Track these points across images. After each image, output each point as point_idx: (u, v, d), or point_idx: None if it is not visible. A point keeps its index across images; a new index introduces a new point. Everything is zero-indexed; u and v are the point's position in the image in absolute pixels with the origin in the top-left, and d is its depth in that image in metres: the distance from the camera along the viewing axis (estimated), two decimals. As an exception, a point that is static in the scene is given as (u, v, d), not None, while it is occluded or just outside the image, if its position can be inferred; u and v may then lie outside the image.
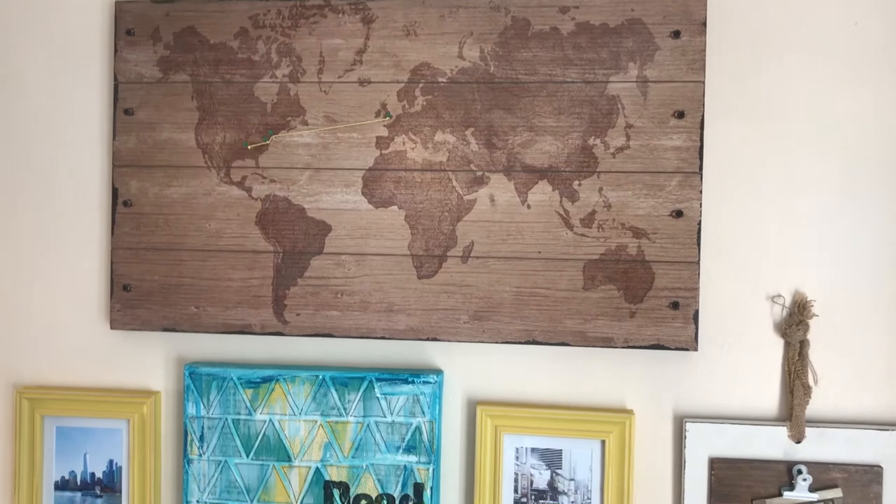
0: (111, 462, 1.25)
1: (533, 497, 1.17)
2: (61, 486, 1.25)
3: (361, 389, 1.18)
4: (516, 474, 1.17)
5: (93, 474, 1.25)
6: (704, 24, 1.12)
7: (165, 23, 1.21)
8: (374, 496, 1.18)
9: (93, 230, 1.26)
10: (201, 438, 1.20)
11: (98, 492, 1.25)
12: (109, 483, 1.25)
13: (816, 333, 1.14)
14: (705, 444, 1.14)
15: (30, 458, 1.25)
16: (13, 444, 1.27)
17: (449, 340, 1.16)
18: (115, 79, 1.22)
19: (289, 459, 1.19)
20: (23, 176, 1.27)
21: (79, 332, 1.26)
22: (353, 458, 1.18)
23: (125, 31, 1.22)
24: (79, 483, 1.25)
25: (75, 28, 1.26)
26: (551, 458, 1.17)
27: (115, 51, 1.22)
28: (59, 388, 1.26)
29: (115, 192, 1.22)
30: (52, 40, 1.26)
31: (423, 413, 1.17)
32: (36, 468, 1.25)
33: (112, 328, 1.22)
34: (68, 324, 1.27)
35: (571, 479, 1.17)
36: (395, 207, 1.18)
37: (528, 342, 1.15)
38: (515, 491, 1.17)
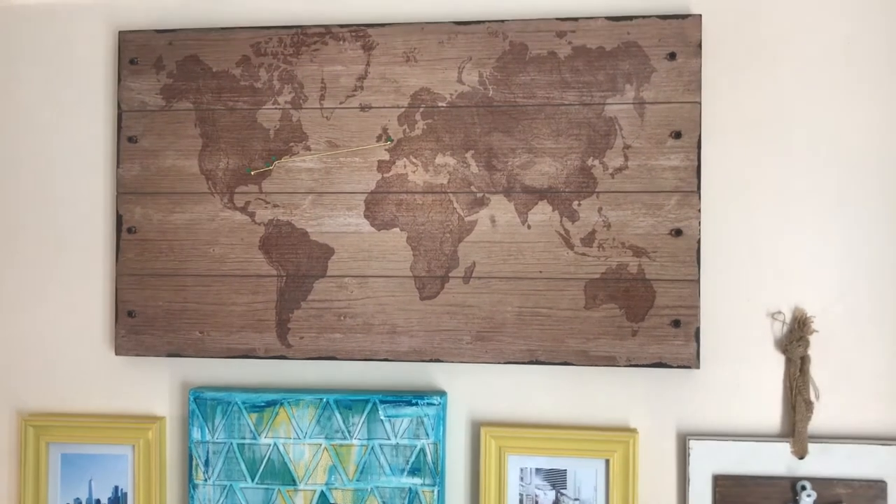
0: (116, 488, 1.25)
1: (538, 517, 1.17)
2: (66, 513, 1.25)
3: (365, 412, 1.18)
4: (521, 495, 1.18)
5: (98, 501, 1.25)
6: (699, 45, 1.14)
7: (168, 51, 1.23)
8: (379, 519, 1.18)
9: (97, 257, 1.27)
10: (206, 463, 1.20)
11: (103, 518, 1.25)
12: (114, 509, 1.25)
13: (817, 349, 1.15)
14: (709, 461, 1.15)
15: (35, 485, 1.25)
16: (18, 472, 1.27)
17: (452, 361, 1.17)
18: (119, 107, 1.24)
19: (294, 483, 1.19)
20: (28, 203, 1.28)
21: (84, 359, 1.27)
22: (357, 481, 1.18)
23: (129, 60, 1.24)
24: (84, 510, 1.25)
25: (79, 57, 1.28)
26: (556, 479, 1.17)
27: (119, 80, 1.24)
28: (64, 415, 1.27)
29: (119, 219, 1.23)
30: (57, 69, 1.28)
31: (428, 435, 1.17)
32: (41, 495, 1.25)
33: (117, 354, 1.23)
34: (73, 350, 1.27)
35: (576, 499, 1.17)
36: (396, 229, 1.19)
37: (531, 362, 1.16)
38: (521, 511, 1.17)
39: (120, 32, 1.24)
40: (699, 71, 1.14)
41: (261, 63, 1.21)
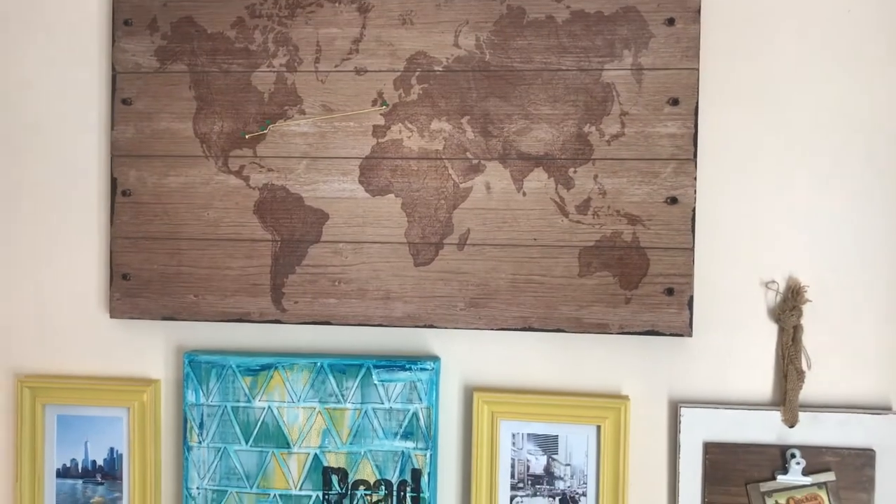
0: (112, 450, 1.26)
1: (530, 482, 1.18)
2: (63, 473, 1.26)
3: (359, 376, 1.19)
4: (513, 460, 1.19)
5: (94, 462, 1.26)
6: (698, 11, 1.13)
7: (163, 13, 1.22)
8: (372, 482, 1.19)
9: (92, 220, 1.27)
10: (201, 426, 1.21)
11: (99, 479, 1.26)
12: (110, 470, 1.26)
13: (810, 319, 1.15)
14: (700, 428, 1.15)
15: (31, 446, 1.26)
16: (15, 433, 1.28)
17: (445, 327, 1.17)
18: (113, 69, 1.23)
19: (288, 446, 1.20)
20: (22, 166, 1.28)
21: (79, 322, 1.27)
22: (351, 444, 1.19)
23: (123, 22, 1.22)
24: (80, 470, 1.26)
25: (73, 18, 1.26)
26: (548, 444, 1.18)
27: (113, 41, 1.23)
28: (60, 377, 1.27)
29: (113, 182, 1.23)
30: (51, 30, 1.27)
31: (421, 399, 1.18)
32: (38, 456, 1.26)
33: (112, 317, 1.23)
34: (68, 313, 1.28)
35: (567, 465, 1.18)
36: (391, 195, 1.18)
37: (524, 329, 1.16)
38: (512, 476, 1.18)
39: (113, -7, 1.23)
40: (698, 37, 1.13)
41: (255, 25, 1.20)
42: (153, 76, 1.22)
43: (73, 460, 1.26)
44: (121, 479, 1.25)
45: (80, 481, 1.26)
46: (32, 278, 1.28)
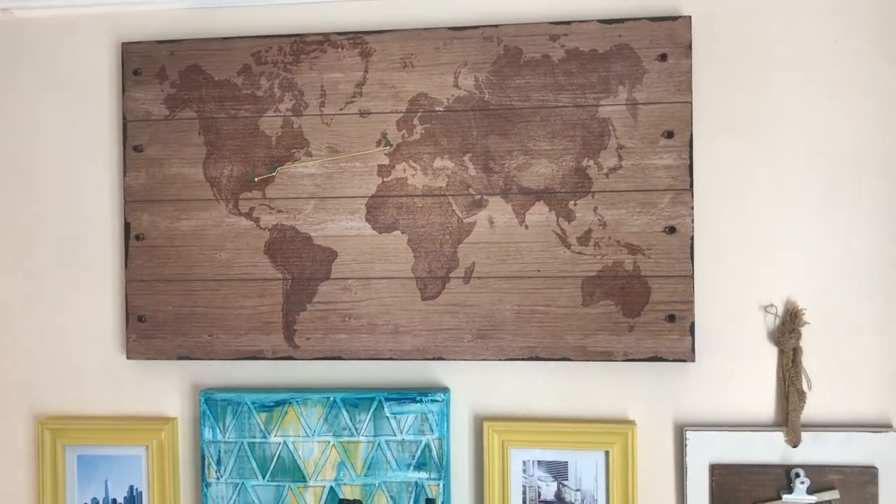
0: (132, 488, 1.29)
1: (541, 508, 1.21)
2: (84, 512, 1.30)
3: (371, 409, 1.22)
4: (524, 486, 1.21)
5: (114, 500, 1.29)
6: (690, 46, 1.17)
7: (171, 62, 1.26)
8: (387, 512, 1.22)
9: (107, 264, 1.30)
10: (218, 462, 1.24)
11: (120, 517, 1.29)
12: (130, 508, 1.29)
13: (809, 340, 1.18)
14: (705, 451, 1.18)
15: (53, 486, 1.29)
16: (36, 474, 1.31)
17: (454, 359, 1.21)
18: (124, 117, 1.27)
19: (304, 480, 1.23)
20: (38, 213, 1.32)
21: (97, 363, 1.31)
22: (365, 476, 1.22)
23: (132, 71, 1.27)
24: (101, 509, 1.29)
25: (84, 68, 1.31)
26: (558, 470, 1.21)
27: (123, 90, 1.27)
28: (79, 418, 1.31)
29: (127, 227, 1.26)
30: (62, 81, 1.31)
31: (432, 430, 1.21)
32: (59, 496, 1.29)
33: (129, 358, 1.26)
34: (86, 355, 1.31)
35: (578, 490, 1.21)
36: (398, 232, 1.22)
37: (530, 358, 1.19)
38: (524, 503, 1.21)
39: (123, 44, 1.27)
40: (690, 71, 1.17)
41: (261, 71, 1.24)
42: (163, 123, 1.26)
43: (94, 499, 1.29)
44: (141, 517, 1.28)
45: (101, 520, 1.29)
46: (51, 322, 1.32)
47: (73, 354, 1.31)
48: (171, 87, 1.26)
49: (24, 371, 1.33)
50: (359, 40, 1.22)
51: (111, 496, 1.29)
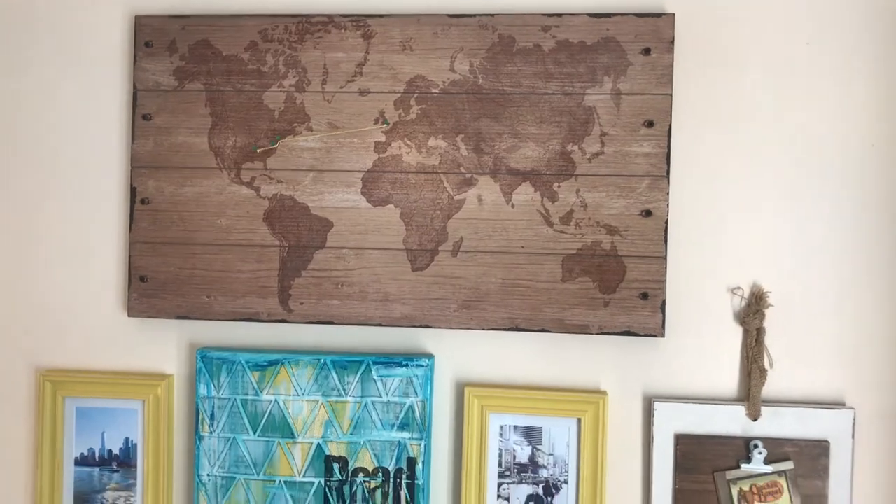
0: (127, 440, 1.35)
1: (515, 470, 1.29)
2: (81, 461, 1.35)
3: (359, 372, 1.29)
4: (500, 450, 1.29)
5: (110, 451, 1.35)
6: (672, 42, 1.24)
7: (181, 36, 1.32)
8: (370, 469, 1.29)
9: (112, 225, 1.37)
10: (212, 417, 1.31)
11: (115, 467, 1.35)
12: (125, 459, 1.35)
13: (772, 322, 1.26)
14: (671, 421, 1.26)
15: (51, 436, 1.35)
16: (36, 424, 1.37)
17: (440, 327, 1.28)
18: (135, 87, 1.33)
19: (292, 436, 1.30)
20: (48, 175, 1.38)
21: (98, 320, 1.37)
22: (351, 434, 1.29)
23: (144, 43, 1.33)
24: (97, 459, 1.35)
25: (98, 40, 1.37)
26: (532, 435, 1.28)
27: (135, 61, 1.33)
28: (80, 372, 1.37)
29: (133, 191, 1.33)
30: (76, 51, 1.37)
31: (416, 394, 1.28)
32: (57, 445, 1.35)
33: (129, 316, 1.33)
34: (89, 311, 1.37)
35: (550, 454, 1.28)
36: (391, 206, 1.29)
37: (511, 329, 1.27)
38: (500, 465, 1.29)
39: (136, 17, 1.33)
40: (671, 65, 1.24)
41: (267, 48, 1.31)
42: (172, 94, 1.32)
43: (90, 449, 1.35)
44: (135, 467, 1.34)
45: (96, 469, 1.35)
46: (56, 279, 1.38)
47: (77, 311, 1.37)
48: (180, 59, 1.32)
49: (28, 325, 1.39)
50: (361, 23, 1.29)
51: (107, 447, 1.35)
